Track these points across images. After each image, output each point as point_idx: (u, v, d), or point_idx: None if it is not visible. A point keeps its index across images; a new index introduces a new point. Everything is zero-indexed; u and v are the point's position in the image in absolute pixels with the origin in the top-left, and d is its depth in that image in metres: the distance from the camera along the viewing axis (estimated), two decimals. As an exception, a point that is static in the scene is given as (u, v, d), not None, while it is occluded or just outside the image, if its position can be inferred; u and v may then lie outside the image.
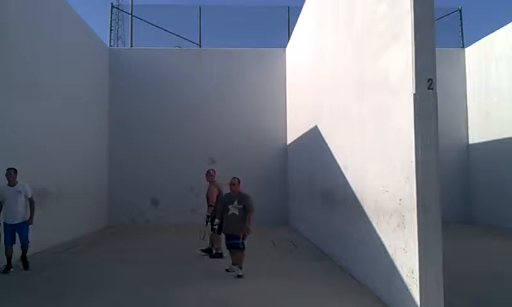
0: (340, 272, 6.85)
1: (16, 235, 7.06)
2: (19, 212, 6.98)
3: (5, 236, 6.95)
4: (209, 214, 8.03)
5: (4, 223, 6.94)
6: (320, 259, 7.97)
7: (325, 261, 7.82)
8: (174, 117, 14.08)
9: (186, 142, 13.94)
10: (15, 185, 7.00)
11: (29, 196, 7.11)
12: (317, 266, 7.43)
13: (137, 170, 13.76)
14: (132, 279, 6.53)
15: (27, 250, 7.17)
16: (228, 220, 6.68)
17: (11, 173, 6.99)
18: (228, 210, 6.65)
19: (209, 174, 8.54)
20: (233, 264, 6.74)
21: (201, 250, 8.34)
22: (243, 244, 6.62)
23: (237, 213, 6.57)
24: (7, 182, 6.99)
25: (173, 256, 8.39)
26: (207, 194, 8.23)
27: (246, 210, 6.60)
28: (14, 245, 7.02)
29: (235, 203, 6.60)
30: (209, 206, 8.07)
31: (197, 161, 13.67)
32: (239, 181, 6.84)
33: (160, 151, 13.89)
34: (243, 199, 6.64)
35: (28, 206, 7.14)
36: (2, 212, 6.99)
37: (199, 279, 6.50)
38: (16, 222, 6.94)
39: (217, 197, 8.11)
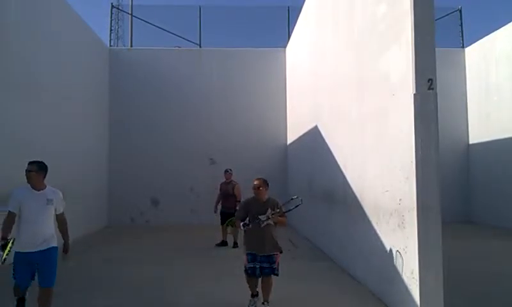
0: (340, 272, 6.85)
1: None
2: (45, 233, 4.23)
3: (16, 270, 4.21)
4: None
5: (19, 252, 4.18)
6: (320, 259, 7.97)
7: (325, 261, 7.82)
8: (174, 117, 14.09)
9: (186, 142, 13.94)
10: (42, 189, 4.30)
11: (61, 212, 4.46)
12: (316, 266, 7.44)
13: (137, 170, 13.76)
14: (132, 279, 6.53)
15: (49, 303, 4.31)
16: (258, 236, 4.82)
17: (40, 171, 4.30)
18: (258, 221, 4.79)
19: (229, 173, 9.64)
20: (263, 301, 4.98)
21: (233, 247, 9.14)
22: (277, 268, 4.93)
23: (272, 224, 4.89)
24: (28, 185, 4.28)
25: (173, 256, 8.39)
26: (233, 191, 9.32)
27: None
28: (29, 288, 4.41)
29: (269, 212, 4.84)
30: (238, 201, 9.06)
31: (197, 161, 13.71)
32: (267, 184, 5.08)
33: (160, 151, 13.89)
34: (277, 207, 4.95)
35: (54, 223, 4.42)
36: (14, 229, 4.22)
37: (199, 279, 6.51)
38: (37, 249, 4.16)
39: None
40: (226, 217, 9.28)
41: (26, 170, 4.28)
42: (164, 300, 5.47)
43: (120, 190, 13.69)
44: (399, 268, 4.75)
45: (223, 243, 9.45)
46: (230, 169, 9.77)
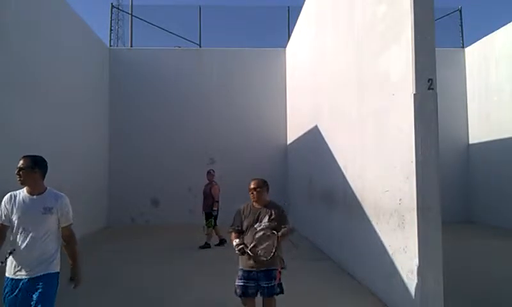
0: (339, 272, 6.85)
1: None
2: (42, 253, 3.15)
3: (6, 301, 3.11)
4: (216, 209, 9.29)
5: (8, 278, 3.15)
6: (320, 260, 7.97)
7: (325, 261, 7.82)
8: (174, 117, 14.08)
9: (186, 142, 13.95)
10: (39, 193, 3.22)
11: (66, 224, 3.30)
12: (316, 266, 7.43)
13: (137, 170, 13.76)
14: (133, 279, 6.53)
15: None
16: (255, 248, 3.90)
17: (36, 168, 3.22)
18: (254, 231, 3.94)
19: (210, 174, 9.68)
20: None
21: (201, 247, 9.32)
22: (281, 286, 3.99)
23: (270, 234, 3.92)
24: (24, 189, 3.24)
25: (173, 256, 8.39)
26: (210, 191, 9.36)
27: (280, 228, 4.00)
28: None
29: (265, 220, 3.98)
30: (216, 202, 9.32)
31: (197, 161, 13.70)
32: (266, 185, 4.29)
33: (160, 151, 13.89)
34: (278, 214, 4.05)
35: (60, 240, 3.32)
36: (7, 248, 3.19)
37: (199, 279, 6.51)
38: (33, 275, 3.10)
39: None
40: (205, 217, 9.53)
41: (17, 167, 3.21)
42: (164, 300, 5.47)
43: (119, 191, 13.68)
44: (399, 268, 4.75)
45: (222, 242, 9.52)
46: (213, 170, 9.93)
